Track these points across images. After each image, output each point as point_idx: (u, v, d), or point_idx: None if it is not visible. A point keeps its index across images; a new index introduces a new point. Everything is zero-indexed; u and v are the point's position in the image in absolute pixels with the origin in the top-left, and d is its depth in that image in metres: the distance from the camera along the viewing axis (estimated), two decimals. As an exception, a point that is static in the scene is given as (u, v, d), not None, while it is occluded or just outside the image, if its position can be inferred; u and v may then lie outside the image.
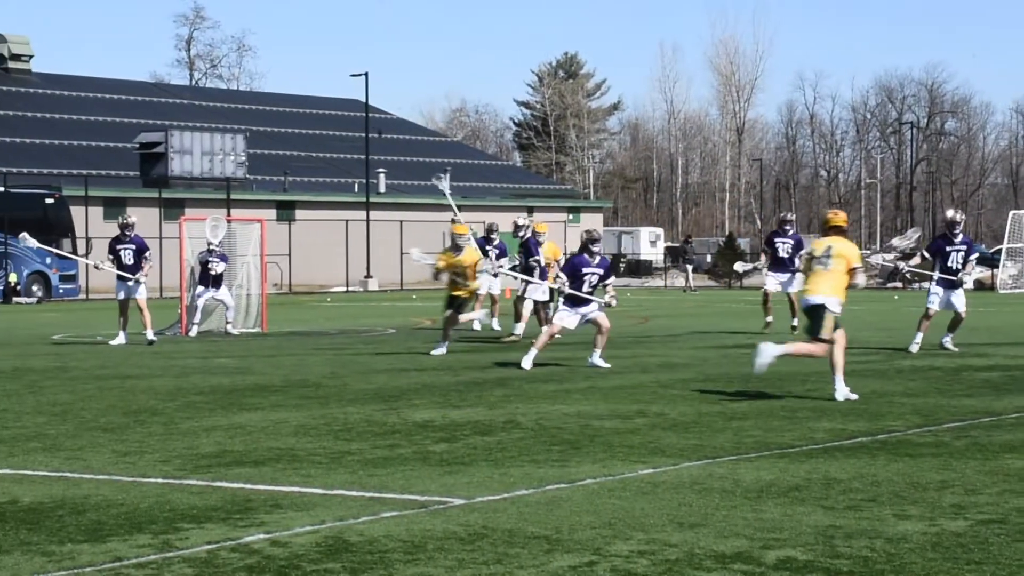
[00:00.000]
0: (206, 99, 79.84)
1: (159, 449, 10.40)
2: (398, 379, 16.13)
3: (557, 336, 18.41)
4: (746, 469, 9.23)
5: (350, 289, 57.39)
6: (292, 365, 18.33)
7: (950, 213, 20.72)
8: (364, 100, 63.90)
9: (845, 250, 13.79)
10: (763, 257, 25.24)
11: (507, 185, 76.56)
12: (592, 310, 17.91)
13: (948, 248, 20.23)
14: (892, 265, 21.75)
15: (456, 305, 20.61)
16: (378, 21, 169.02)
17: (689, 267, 57.69)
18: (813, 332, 13.68)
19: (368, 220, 58.78)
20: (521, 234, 24.04)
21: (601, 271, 17.93)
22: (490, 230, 24.96)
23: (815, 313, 13.66)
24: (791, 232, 24.88)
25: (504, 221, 67.63)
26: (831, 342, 13.58)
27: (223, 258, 26.02)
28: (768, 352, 13.41)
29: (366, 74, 61.09)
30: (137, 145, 60.65)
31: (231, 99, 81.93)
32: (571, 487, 8.60)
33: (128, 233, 23.58)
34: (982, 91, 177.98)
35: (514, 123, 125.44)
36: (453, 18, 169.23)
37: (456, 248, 20.80)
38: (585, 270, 17.86)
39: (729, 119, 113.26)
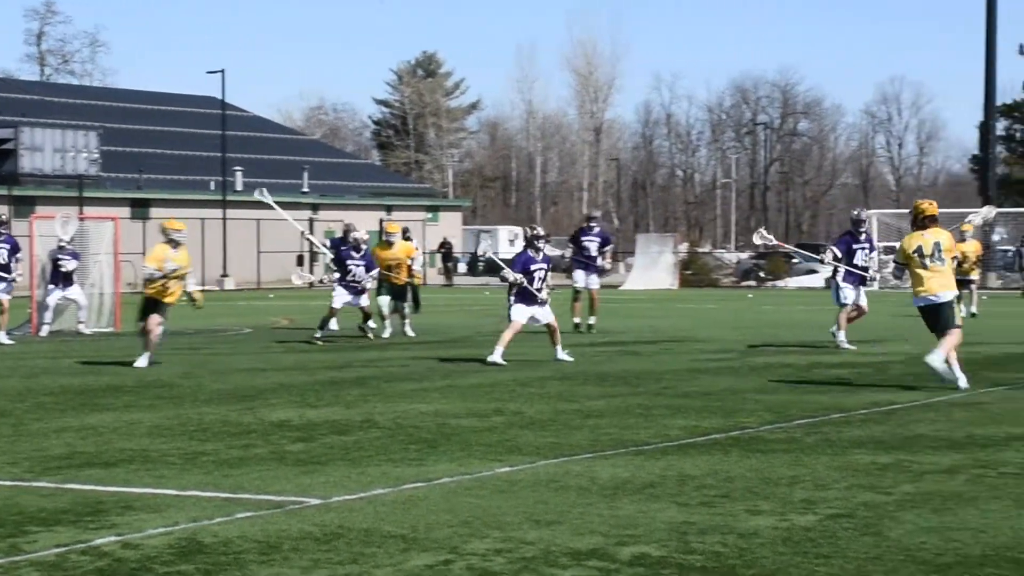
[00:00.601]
0: (58, 95, 78.26)
1: (7, 451, 10.18)
2: (254, 379, 15.98)
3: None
4: (602, 467, 9.30)
5: (206, 288, 56.66)
6: (146, 365, 18.05)
7: (856, 212, 21.41)
8: (221, 97, 63.21)
9: (949, 242, 14.59)
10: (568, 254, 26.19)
11: (366, 184, 76.24)
12: (542, 310, 18.26)
13: (855, 246, 20.73)
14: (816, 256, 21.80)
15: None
16: (235, 18, 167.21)
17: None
18: (948, 325, 14.21)
19: (225, 219, 58.13)
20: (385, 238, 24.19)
21: (546, 266, 18.39)
22: (347, 231, 24.87)
23: (945, 310, 14.28)
24: (596, 230, 25.44)
25: (363, 220, 67.25)
26: (960, 326, 14.41)
27: (74, 255, 25.54)
28: (939, 361, 13.98)
29: (222, 71, 60.49)
30: (-15, 141, 59.29)
31: (84, 95, 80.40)
32: (428, 486, 8.58)
33: (2, 231, 23.09)
34: (833, 93, 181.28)
35: (373, 122, 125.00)
36: (311, 15, 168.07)
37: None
38: (533, 266, 18.27)
39: (587, 119, 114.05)
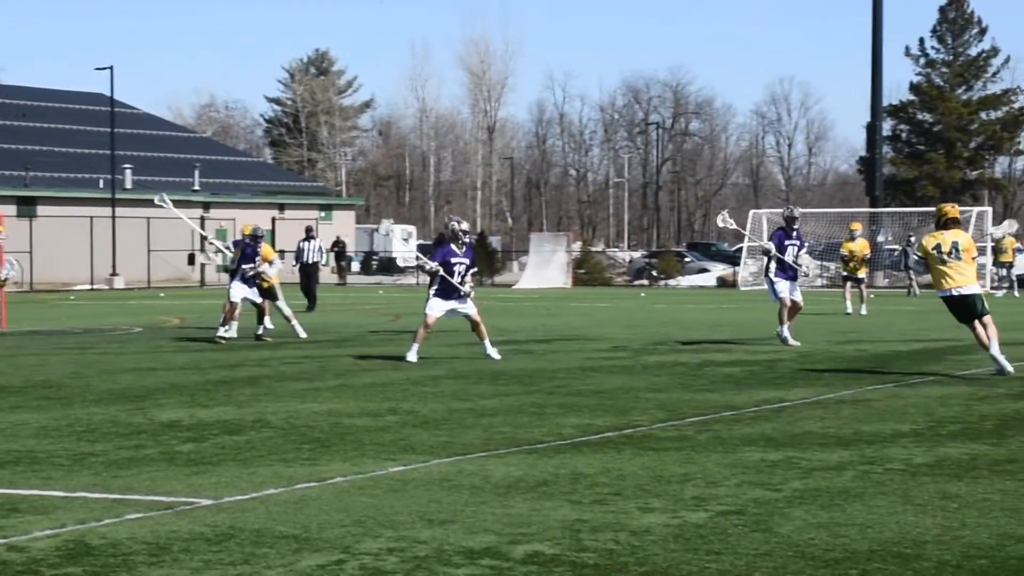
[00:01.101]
0: (-59, 91, 76.78)
1: None
2: (144, 379, 15.79)
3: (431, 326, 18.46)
4: (495, 465, 9.31)
5: (95, 287, 55.95)
6: (33, 365, 17.79)
7: (789, 209, 22.44)
8: (109, 94, 62.38)
9: (968, 243, 15.84)
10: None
11: (258, 182, 75.65)
12: (462, 303, 18.38)
13: (787, 242, 21.36)
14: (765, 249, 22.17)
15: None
16: (124, 13, 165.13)
17: (441, 266, 57.99)
18: (980, 313, 15.61)
19: (114, 217, 57.38)
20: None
21: (467, 261, 18.52)
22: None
23: (972, 300, 15.63)
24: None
25: (256, 219, 66.78)
26: (990, 312, 15.79)
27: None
28: (996, 352, 15.48)
29: (111, 68, 59.68)
30: None
31: (-32, 91, 78.96)
32: (321, 485, 8.54)
33: None
34: (724, 93, 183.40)
35: (265, 119, 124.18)
36: (202, 11, 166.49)
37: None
38: (454, 260, 18.43)
39: (480, 118, 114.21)
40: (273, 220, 67.73)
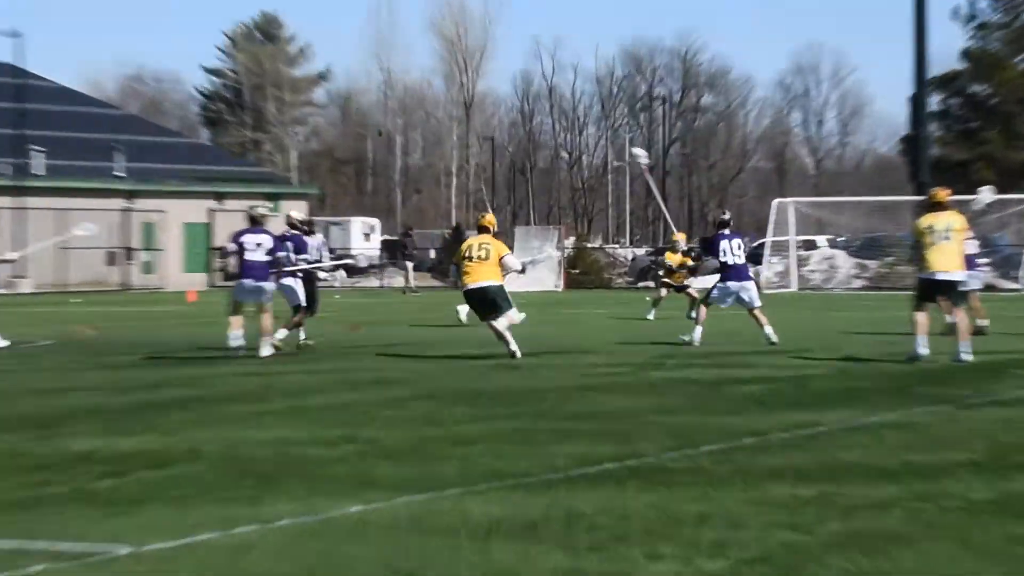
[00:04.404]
0: None
1: None
2: (53, 401, 15.72)
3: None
4: (474, 503, 9.23)
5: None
6: None
7: (725, 215, 25.11)
8: (16, 64, 62.27)
9: (961, 224, 19.12)
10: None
11: (193, 167, 75.54)
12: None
13: (722, 242, 23.70)
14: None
15: None
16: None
17: (409, 264, 57.97)
18: (957, 301, 19.44)
19: (22, 208, 57.31)
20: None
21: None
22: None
23: (956, 286, 19.22)
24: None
25: (191, 209, 66.70)
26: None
27: None
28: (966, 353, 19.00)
29: (18, 34, 59.60)
30: None
31: None
32: (264, 529, 8.46)
33: None
34: (742, 62, 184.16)
35: (202, 94, 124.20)
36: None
37: None
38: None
39: (456, 91, 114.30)
40: (210, 212, 67.64)
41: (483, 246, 21.99)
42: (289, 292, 23.72)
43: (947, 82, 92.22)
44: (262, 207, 23.22)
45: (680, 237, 35.13)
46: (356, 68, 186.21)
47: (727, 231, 23.94)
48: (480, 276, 21.65)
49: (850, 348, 22.71)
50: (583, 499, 9.38)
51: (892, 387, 16.71)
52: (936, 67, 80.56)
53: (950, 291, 19.45)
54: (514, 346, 21.01)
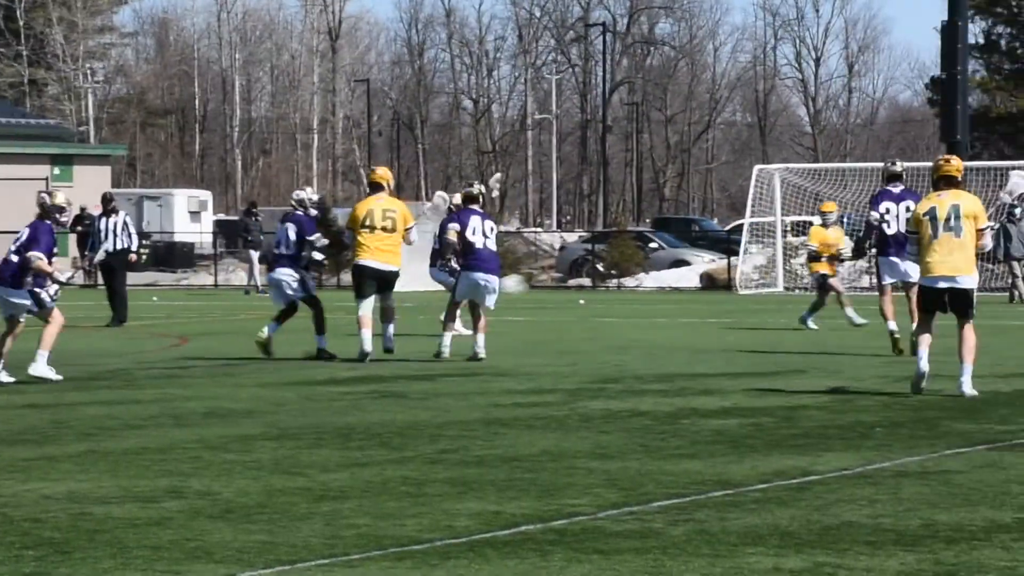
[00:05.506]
0: None
1: None
2: None
3: None
4: (344, 581, 9.31)
5: None
6: None
7: (473, 187, 26.22)
8: None
9: (973, 207, 18.49)
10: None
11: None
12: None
13: (471, 220, 25.43)
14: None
15: None
16: None
17: (254, 254, 57.61)
18: (967, 315, 18.42)
19: None
20: None
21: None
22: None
23: (964, 298, 18.46)
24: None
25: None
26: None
27: None
28: (971, 390, 18.48)
29: None
30: None
31: None
32: (57, 617, 8.51)
33: None
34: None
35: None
36: None
37: None
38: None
39: (316, 15, 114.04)
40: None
41: (388, 214, 23.51)
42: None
43: (993, 3, 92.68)
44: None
45: (831, 208, 34.24)
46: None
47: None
48: (382, 256, 23.92)
49: (854, 370, 22.89)
50: (492, 573, 9.48)
51: (910, 421, 16.88)
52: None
53: (959, 303, 18.61)
54: (391, 332, 23.67)
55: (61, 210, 22.02)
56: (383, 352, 24.48)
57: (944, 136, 60.68)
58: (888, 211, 24.56)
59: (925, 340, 18.74)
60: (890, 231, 24.47)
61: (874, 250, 25.76)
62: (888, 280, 24.96)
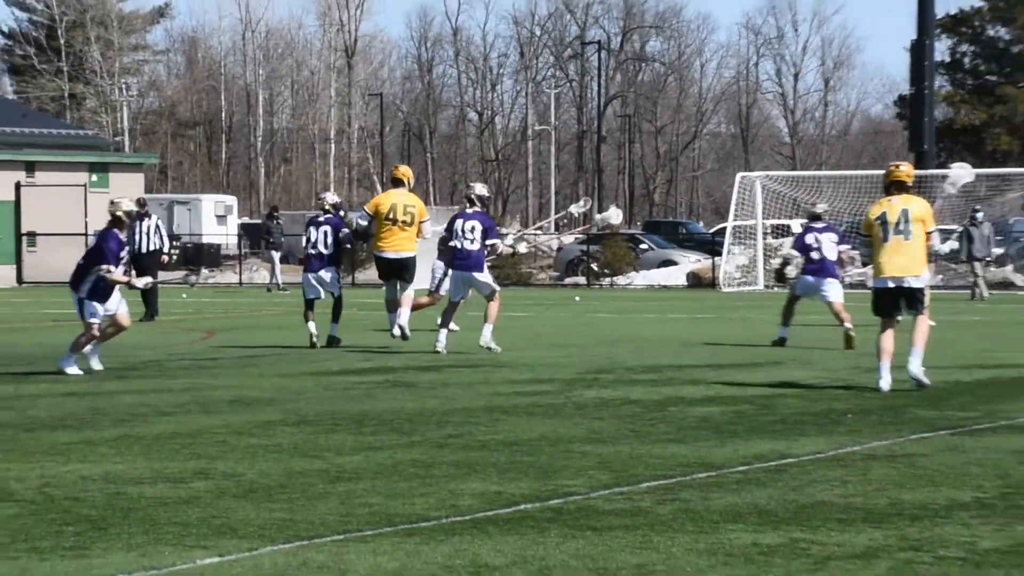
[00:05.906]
0: None
1: None
2: None
3: None
4: (358, 553, 9.33)
5: None
6: None
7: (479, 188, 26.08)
8: None
9: (922, 211, 18.47)
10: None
11: (-7, 128, 74.97)
12: None
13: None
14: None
15: None
16: None
17: (276, 254, 57.63)
18: (917, 310, 18.28)
19: None
20: None
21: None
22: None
23: (914, 296, 18.26)
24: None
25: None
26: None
27: None
28: (916, 368, 18.19)
29: None
30: None
31: None
32: (93, 588, 8.52)
33: None
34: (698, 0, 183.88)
35: (4, 34, 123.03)
36: None
37: None
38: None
39: (334, 34, 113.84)
40: (18, 187, 67.10)
41: (408, 209, 24.48)
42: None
43: (958, 24, 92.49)
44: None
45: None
46: (205, 3, 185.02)
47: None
48: (403, 245, 24.75)
49: (827, 362, 22.91)
50: (493, 548, 9.49)
51: (879, 409, 16.87)
52: (945, 5, 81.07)
53: (910, 301, 18.42)
54: (405, 320, 24.15)
55: (133, 217, 22.56)
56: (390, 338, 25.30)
57: (912, 146, 60.72)
58: (817, 241, 25.99)
59: (887, 351, 18.29)
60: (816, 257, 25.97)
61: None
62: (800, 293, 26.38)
